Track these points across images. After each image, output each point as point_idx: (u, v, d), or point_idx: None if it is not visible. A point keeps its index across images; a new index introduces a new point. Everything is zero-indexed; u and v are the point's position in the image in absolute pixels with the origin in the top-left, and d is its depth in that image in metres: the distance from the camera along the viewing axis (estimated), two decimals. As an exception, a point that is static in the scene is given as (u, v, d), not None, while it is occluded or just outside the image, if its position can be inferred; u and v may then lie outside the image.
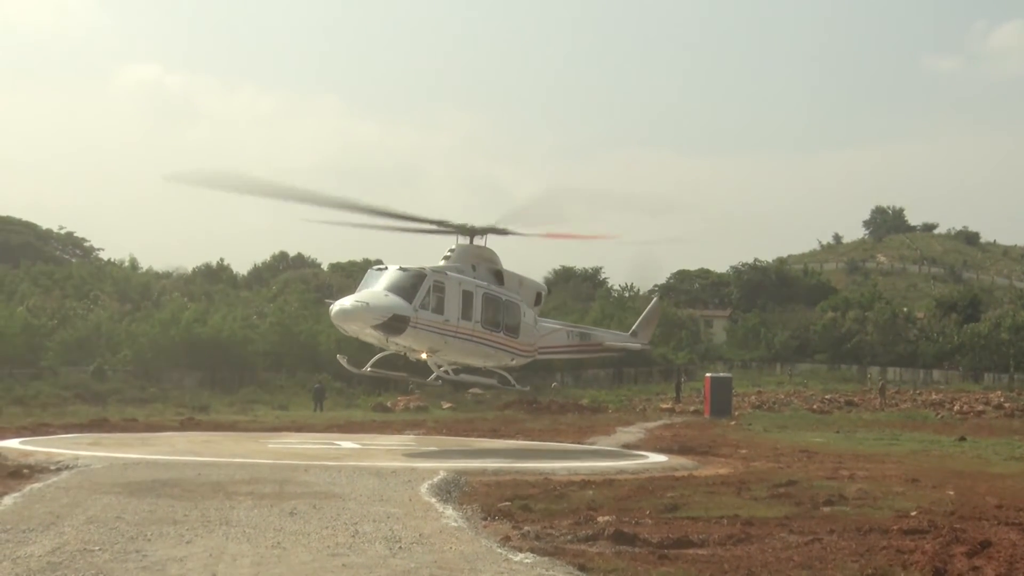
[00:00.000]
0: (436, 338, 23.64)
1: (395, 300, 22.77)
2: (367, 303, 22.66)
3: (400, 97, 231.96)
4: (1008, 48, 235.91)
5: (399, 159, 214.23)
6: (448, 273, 24.11)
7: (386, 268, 24.03)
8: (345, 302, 22.98)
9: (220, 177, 23.92)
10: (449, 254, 25.24)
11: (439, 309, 23.42)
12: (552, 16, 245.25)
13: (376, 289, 23.24)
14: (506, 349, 25.37)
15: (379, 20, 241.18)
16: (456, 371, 25.88)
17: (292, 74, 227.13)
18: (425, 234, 25.67)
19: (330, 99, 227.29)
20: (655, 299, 32.44)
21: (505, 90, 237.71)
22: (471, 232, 25.43)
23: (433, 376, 25.54)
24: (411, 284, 23.10)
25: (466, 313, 24.09)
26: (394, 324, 22.66)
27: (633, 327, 32.12)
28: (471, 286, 24.42)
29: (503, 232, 25.59)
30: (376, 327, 22.71)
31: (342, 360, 26.44)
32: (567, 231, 26.84)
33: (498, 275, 25.60)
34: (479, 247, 25.58)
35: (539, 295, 27.00)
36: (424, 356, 24.50)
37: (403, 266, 23.84)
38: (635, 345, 31.99)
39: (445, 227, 25.32)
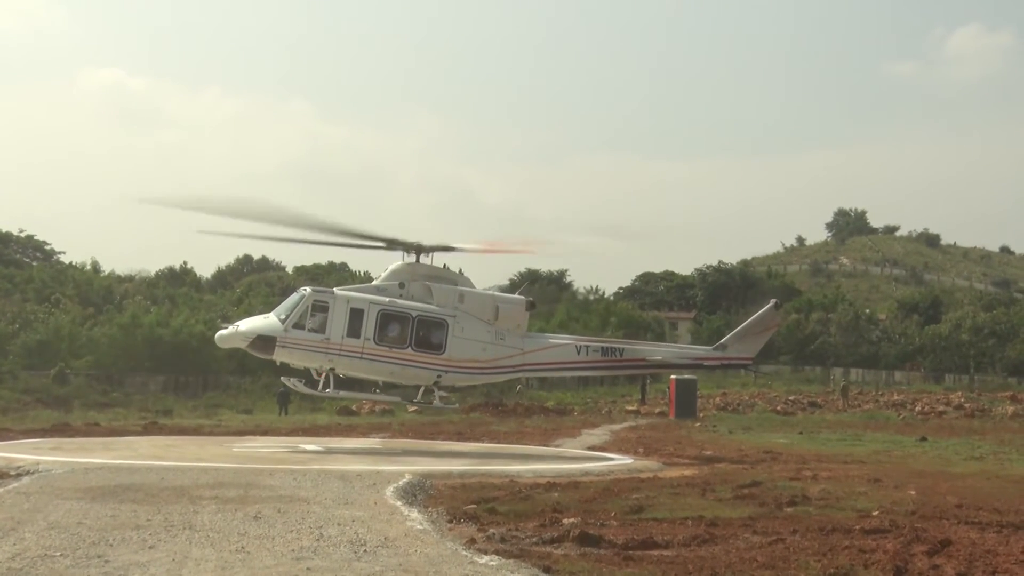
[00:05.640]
0: (317, 356, 24.44)
1: (267, 322, 24.62)
2: (238, 326, 25.07)
3: (368, 100, 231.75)
4: (964, 52, 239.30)
5: (367, 162, 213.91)
6: (335, 292, 24.96)
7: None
8: (227, 326, 25.50)
9: (180, 198, 24.93)
10: (382, 272, 25.95)
11: (320, 328, 24.24)
12: (520, 21, 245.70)
13: (265, 313, 25.67)
14: (422, 366, 24.81)
15: (347, 24, 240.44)
16: (336, 387, 25.19)
17: (259, 78, 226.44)
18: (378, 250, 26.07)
19: (298, 102, 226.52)
20: (768, 306, 27.74)
21: (473, 94, 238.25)
22: (418, 250, 25.52)
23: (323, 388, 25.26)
24: (290, 305, 24.78)
25: (353, 331, 24.25)
26: (259, 344, 24.48)
27: (723, 339, 28.32)
28: (362, 304, 24.48)
29: (447, 249, 25.78)
30: (248, 348, 24.77)
31: (288, 382, 26.76)
32: (501, 246, 26.91)
33: (429, 291, 25.12)
34: (415, 264, 25.53)
35: (497, 309, 25.39)
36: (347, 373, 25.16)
37: (303, 287, 26.06)
38: (712, 360, 28.02)
39: (392, 245, 25.59)
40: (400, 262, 25.66)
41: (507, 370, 26.30)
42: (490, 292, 26.59)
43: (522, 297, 26.55)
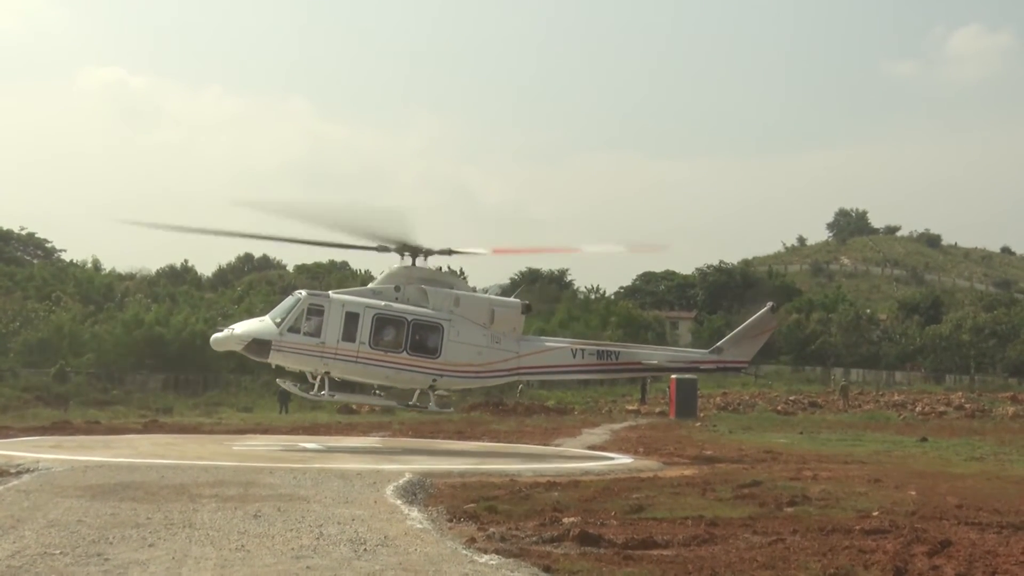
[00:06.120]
0: (313, 360, 24.38)
1: (262, 326, 24.59)
2: (233, 329, 24.94)
3: (368, 100, 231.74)
4: (964, 52, 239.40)
5: (367, 162, 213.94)
6: (331, 296, 24.96)
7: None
8: (223, 329, 25.36)
9: (164, 221, 25.25)
10: (378, 276, 26.11)
11: (315, 332, 24.18)
12: (520, 20, 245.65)
13: (261, 316, 25.89)
14: (418, 370, 24.73)
15: (347, 24, 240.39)
16: (332, 390, 25.08)
17: (259, 77, 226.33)
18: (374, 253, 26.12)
19: (298, 102, 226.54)
20: (764, 309, 27.36)
21: (473, 94, 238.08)
22: (414, 253, 25.49)
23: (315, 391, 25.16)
24: (286, 309, 24.71)
25: (348, 335, 24.21)
26: (255, 348, 24.44)
27: (719, 342, 27.86)
28: (358, 308, 24.42)
29: (447, 252, 25.73)
30: (243, 351, 24.79)
31: (283, 383, 26.85)
32: (514, 247, 26.82)
33: (425, 295, 25.04)
34: (411, 267, 25.50)
35: (493, 312, 25.35)
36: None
37: (298, 291, 26.07)
38: (707, 364, 27.62)
39: (387, 249, 25.55)
40: (396, 265, 25.63)
41: (503, 374, 26.17)
42: (486, 295, 26.58)
43: (518, 300, 26.45)
